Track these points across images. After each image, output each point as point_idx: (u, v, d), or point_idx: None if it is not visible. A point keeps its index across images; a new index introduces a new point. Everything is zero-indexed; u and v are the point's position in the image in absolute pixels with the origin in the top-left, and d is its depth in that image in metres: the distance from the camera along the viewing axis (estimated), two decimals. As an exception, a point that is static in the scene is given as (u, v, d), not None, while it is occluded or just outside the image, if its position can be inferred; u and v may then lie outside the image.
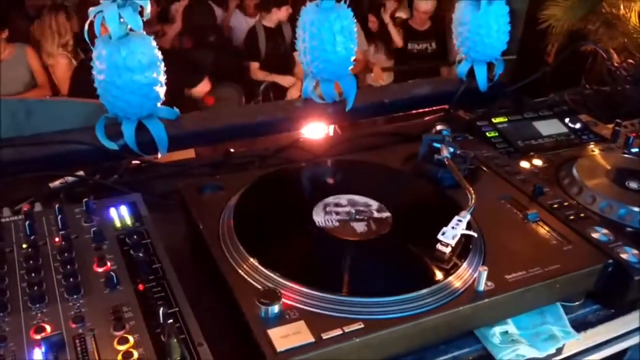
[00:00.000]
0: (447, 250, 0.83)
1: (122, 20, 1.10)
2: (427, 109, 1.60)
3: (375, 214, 0.92)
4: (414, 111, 1.59)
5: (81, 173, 1.13)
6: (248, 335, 0.71)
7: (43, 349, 0.66)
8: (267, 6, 4.44)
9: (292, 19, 4.62)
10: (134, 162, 1.21)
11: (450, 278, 0.80)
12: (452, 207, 0.92)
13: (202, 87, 3.30)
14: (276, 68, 4.50)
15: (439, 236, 0.83)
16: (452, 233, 0.83)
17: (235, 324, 0.75)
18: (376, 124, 1.81)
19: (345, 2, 1.31)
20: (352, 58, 1.37)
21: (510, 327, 0.84)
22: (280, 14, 4.45)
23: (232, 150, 1.31)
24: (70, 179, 1.11)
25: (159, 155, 1.23)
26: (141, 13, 1.11)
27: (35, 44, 3.67)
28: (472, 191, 0.94)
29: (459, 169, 1.02)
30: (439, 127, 1.12)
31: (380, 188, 0.99)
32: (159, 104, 1.22)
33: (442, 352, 0.82)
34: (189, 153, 1.45)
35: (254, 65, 4.47)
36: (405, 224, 0.90)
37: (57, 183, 1.11)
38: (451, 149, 1.05)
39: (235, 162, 1.26)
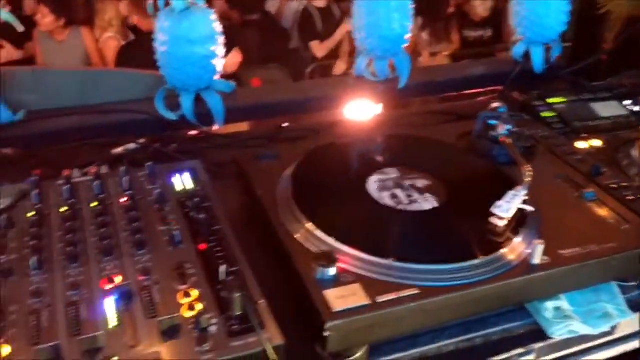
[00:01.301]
0: (502, 223, 0.83)
1: (185, -7, 1.13)
2: (480, 90, 1.59)
3: (430, 187, 0.93)
4: (466, 91, 1.58)
5: (142, 141, 1.17)
6: (304, 296, 0.74)
7: (114, 297, 0.70)
8: None
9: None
10: (191, 132, 1.25)
11: (504, 250, 0.80)
12: (506, 183, 0.92)
13: (232, 59, 3.19)
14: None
15: (494, 209, 0.83)
16: (507, 207, 0.84)
17: (290, 285, 0.78)
18: (423, 104, 1.80)
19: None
20: (407, 36, 1.37)
21: (563, 303, 0.84)
22: None
23: (284, 124, 1.33)
24: (131, 146, 1.15)
25: (215, 127, 1.26)
26: (203, -14, 1.14)
27: (88, 18, 3.76)
28: (529, 168, 0.93)
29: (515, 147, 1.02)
30: (495, 105, 1.12)
31: (434, 162, 0.99)
32: (216, 77, 1.25)
33: (493, 324, 0.83)
34: (242, 126, 1.48)
35: (315, 43, 4.46)
36: (460, 196, 0.91)
37: (119, 150, 1.15)
38: (507, 127, 1.04)
39: (288, 135, 1.28)
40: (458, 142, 1.10)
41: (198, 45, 1.16)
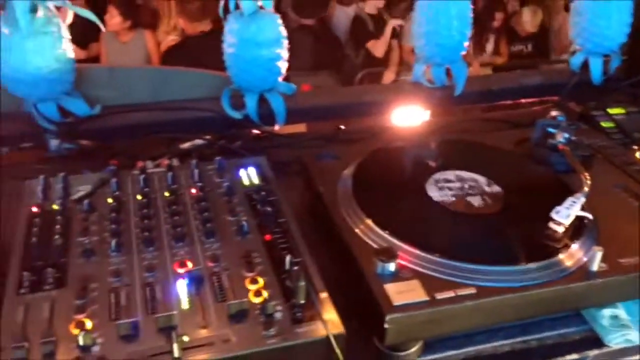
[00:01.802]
0: (561, 229, 0.84)
1: (255, -3, 1.18)
2: (535, 99, 1.58)
3: (487, 190, 0.94)
4: (521, 100, 1.58)
5: (208, 137, 1.23)
6: (364, 290, 0.77)
7: (186, 281, 0.75)
8: None
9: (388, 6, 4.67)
10: (253, 131, 1.30)
11: (561, 256, 0.81)
12: (564, 190, 0.93)
13: None
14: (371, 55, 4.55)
15: (553, 214, 0.85)
16: (566, 213, 0.84)
17: (349, 278, 0.81)
18: (479, 112, 1.80)
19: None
20: (465, 44, 1.39)
21: (620, 311, 0.84)
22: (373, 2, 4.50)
23: (342, 126, 1.37)
24: (198, 141, 1.21)
25: (276, 127, 1.31)
26: (271, -9, 1.19)
27: (152, 22, 3.92)
28: (587, 176, 0.94)
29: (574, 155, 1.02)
30: (554, 113, 1.12)
31: (493, 167, 1.01)
32: (279, 79, 1.30)
33: (549, 327, 0.84)
34: (301, 127, 1.53)
35: (372, 43, 4.51)
36: (518, 201, 0.93)
37: (186, 145, 1.21)
38: (566, 135, 1.05)
39: (346, 137, 1.32)
40: (516, 149, 1.11)
41: (264, 48, 1.21)
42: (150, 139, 1.20)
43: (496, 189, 0.95)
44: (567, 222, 0.84)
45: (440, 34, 1.35)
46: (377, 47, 4.48)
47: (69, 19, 1.11)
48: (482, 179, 0.97)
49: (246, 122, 1.29)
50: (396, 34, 4.48)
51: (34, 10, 1.04)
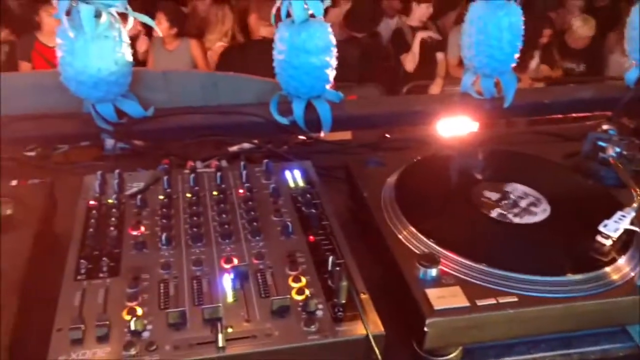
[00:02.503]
0: (608, 242, 0.83)
1: (305, 6, 1.21)
2: (587, 114, 1.56)
3: (533, 202, 0.94)
4: (573, 114, 1.55)
5: (256, 141, 1.26)
6: (405, 293, 0.77)
7: (232, 276, 0.77)
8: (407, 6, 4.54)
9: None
10: (299, 136, 1.33)
11: (608, 269, 0.80)
12: (613, 204, 0.91)
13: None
14: (421, 65, 4.56)
15: (600, 227, 0.83)
16: (614, 226, 0.83)
17: (391, 282, 0.82)
18: (528, 124, 1.78)
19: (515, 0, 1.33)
20: (516, 56, 1.39)
21: (668, 329, 0.82)
22: (420, 12, 4.50)
23: (387, 135, 1.38)
24: (246, 145, 1.24)
25: (322, 133, 1.33)
26: (323, 0, 1.21)
27: (198, 31, 4.04)
28: (638, 191, 0.92)
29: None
30: (605, 127, 1.11)
31: (540, 178, 1.00)
32: (327, 87, 1.32)
33: (592, 342, 0.82)
34: (347, 134, 1.55)
35: (404, 56, 4.53)
36: (565, 213, 0.91)
37: (235, 147, 1.25)
38: (617, 149, 1.03)
39: (391, 145, 1.33)
40: (565, 161, 1.10)
41: (314, 56, 1.24)
42: (200, 141, 1.24)
43: (543, 200, 0.94)
44: (615, 235, 0.83)
45: (490, 45, 1.35)
46: (407, 61, 4.49)
47: (130, 24, 1.16)
48: (528, 190, 0.97)
49: (293, 127, 1.32)
50: (427, 46, 4.48)
51: (97, 15, 1.10)
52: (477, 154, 1.09)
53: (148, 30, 3.85)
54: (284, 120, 1.31)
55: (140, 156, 1.21)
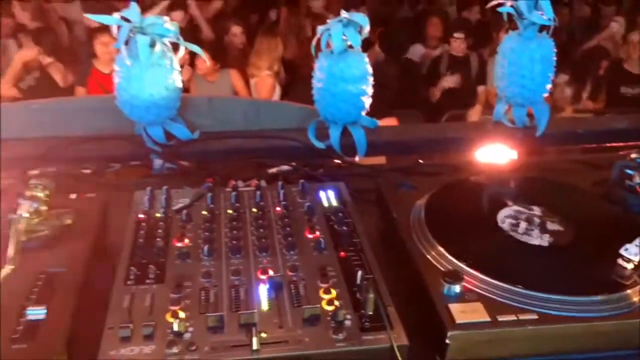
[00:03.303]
0: (630, 266, 0.85)
1: (344, 37, 1.28)
2: (621, 144, 1.57)
3: (559, 225, 0.97)
4: (606, 144, 1.57)
5: (294, 164, 1.33)
6: (429, 307, 0.82)
7: (267, 286, 0.83)
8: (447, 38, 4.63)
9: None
10: (335, 160, 1.39)
11: (629, 291, 0.83)
12: (637, 230, 0.93)
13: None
14: (456, 94, 4.60)
15: (622, 251, 0.86)
16: (635, 250, 0.86)
17: (417, 297, 0.86)
18: (560, 153, 1.80)
19: (547, 32, 1.37)
20: (548, 86, 1.42)
21: (690, 353, 0.84)
22: (459, 44, 4.56)
23: (421, 160, 1.43)
24: (284, 167, 1.31)
25: (357, 158, 1.39)
26: (360, 32, 1.29)
27: (243, 61, 4.20)
28: (663, 218, 0.94)
29: (651, 198, 1.03)
30: (633, 155, 1.13)
31: (566, 204, 1.03)
32: (363, 113, 1.38)
33: (614, 363, 0.84)
34: (381, 159, 1.60)
35: (433, 87, 4.62)
36: (588, 237, 0.94)
37: (274, 169, 1.32)
38: (644, 177, 1.06)
39: (424, 170, 1.37)
40: (592, 188, 1.13)
41: (351, 84, 1.31)
42: (242, 163, 1.32)
43: (567, 224, 0.97)
44: (636, 259, 0.85)
45: (522, 76, 1.39)
46: (434, 93, 4.56)
47: (181, 53, 1.26)
48: (555, 215, 1.00)
49: (329, 151, 1.38)
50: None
51: (152, 45, 1.20)
52: (505, 180, 1.13)
53: (191, 60, 4.05)
54: (320, 145, 1.38)
55: (185, 176, 1.29)
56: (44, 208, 0.91)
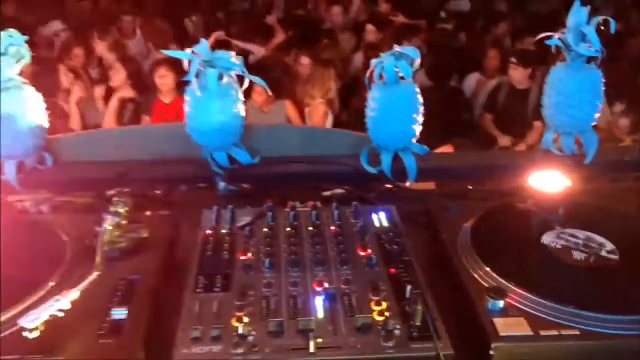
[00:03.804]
0: (672, 288, 0.88)
1: (396, 69, 1.36)
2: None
3: (603, 252, 1.00)
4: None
5: (347, 188, 1.40)
6: (474, 320, 0.87)
7: (323, 296, 0.91)
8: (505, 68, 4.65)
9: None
10: (387, 185, 1.46)
11: (670, 312, 0.85)
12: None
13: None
14: (508, 126, 4.60)
15: (664, 273, 0.89)
16: (678, 273, 0.89)
17: (463, 310, 0.92)
18: (609, 181, 1.80)
19: (595, 63, 1.41)
20: (596, 115, 1.45)
21: None
22: (518, 74, 4.56)
23: (470, 187, 1.48)
24: (338, 190, 1.39)
25: (408, 183, 1.46)
26: (412, 64, 1.36)
27: (297, 89, 4.37)
28: None
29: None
30: (680, 183, 1.15)
31: (611, 227, 1.07)
32: (413, 140, 1.45)
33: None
34: (430, 184, 1.66)
35: (488, 116, 4.64)
36: (632, 260, 0.98)
37: (328, 193, 1.40)
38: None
39: (472, 196, 1.42)
40: (636, 213, 1.15)
41: (403, 113, 1.39)
42: (298, 186, 1.41)
43: (611, 247, 1.01)
44: (679, 281, 0.88)
45: (570, 105, 1.43)
46: (488, 123, 4.58)
47: (245, 85, 1.37)
48: (597, 237, 1.04)
49: (380, 176, 1.45)
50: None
51: (220, 77, 1.31)
52: (550, 204, 1.17)
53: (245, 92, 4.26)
54: (372, 170, 1.45)
55: (246, 197, 1.39)
56: (124, 222, 1.02)
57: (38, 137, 1.39)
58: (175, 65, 4.88)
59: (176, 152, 1.49)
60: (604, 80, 1.43)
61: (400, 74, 1.38)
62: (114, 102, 4.46)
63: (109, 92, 4.57)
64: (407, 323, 0.86)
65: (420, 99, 1.41)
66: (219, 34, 5.17)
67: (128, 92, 4.59)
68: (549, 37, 1.40)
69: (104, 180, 1.40)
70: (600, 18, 1.34)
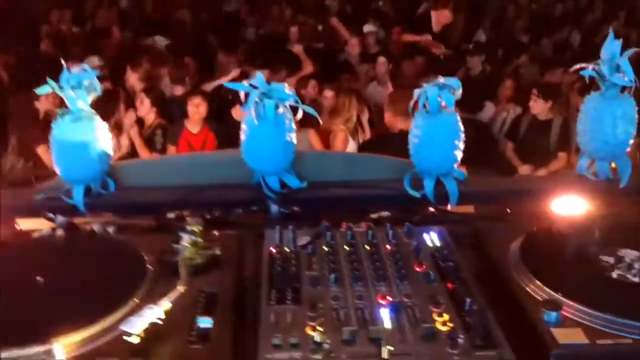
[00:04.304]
0: None
1: (439, 99, 1.45)
2: None
3: (646, 267, 1.07)
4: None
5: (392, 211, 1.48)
6: (532, 331, 0.94)
7: (388, 309, 0.98)
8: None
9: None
10: (430, 208, 1.54)
11: None
12: None
13: None
14: (529, 155, 4.68)
15: None
16: None
17: (518, 323, 0.98)
18: None
19: (629, 92, 1.49)
20: (630, 141, 1.53)
21: None
22: (539, 106, 4.66)
23: (508, 210, 1.55)
24: (385, 213, 1.47)
25: (449, 206, 1.53)
26: (454, 94, 1.45)
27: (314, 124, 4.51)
28: None
29: None
30: None
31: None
32: (455, 166, 1.53)
33: None
34: (470, 208, 1.73)
35: (510, 144, 4.72)
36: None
37: (375, 215, 1.47)
38: None
39: (512, 219, 1.49)
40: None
41: (445, 140, 1.47)
42: (345, 208, 1.49)
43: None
44: None
45: (604, 133, 1.50)
46: (510, 152, 4.65)
47: (299, 115, 1.46)
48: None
49: (423, 200, 1.53)
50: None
51: (276, 107, 1.41)
52: (592, 224, 1.24)
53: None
54: (416, 194, 1.53)
55: (297, 219, 1.47)
56: (199, 240, 1.10)
57: (104, 163, 1.49)
58: (209, 95, 5.06)
59: (227, 178, 1.58)
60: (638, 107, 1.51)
61: (443, 103, 1.47)
62: (134, 130, 4.60)
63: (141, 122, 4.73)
64: (469, 333, 0.92)
65: (462, 126, 1.50)
66: (235, 72, 5.39)
67: (155, 119, 4.73)
68: (583, 69, 1.49)
69: (164, 203, 1.49)
70: (633, 50, 1.43)
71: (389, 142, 3.49)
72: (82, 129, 1.43)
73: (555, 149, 4.64)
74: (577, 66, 1.49)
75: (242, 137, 1.47)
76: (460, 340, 0.91)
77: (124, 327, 0.85)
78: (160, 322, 0.88)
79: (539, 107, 4.70)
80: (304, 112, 1.52)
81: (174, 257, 1.07)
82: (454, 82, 1.44)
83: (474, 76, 5.83)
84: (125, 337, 0.86)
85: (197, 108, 4.70)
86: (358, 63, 6.27)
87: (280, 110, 1.43)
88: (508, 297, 1.04)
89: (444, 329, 0.94)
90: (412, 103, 1.49)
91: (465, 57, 6.00)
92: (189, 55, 6.03)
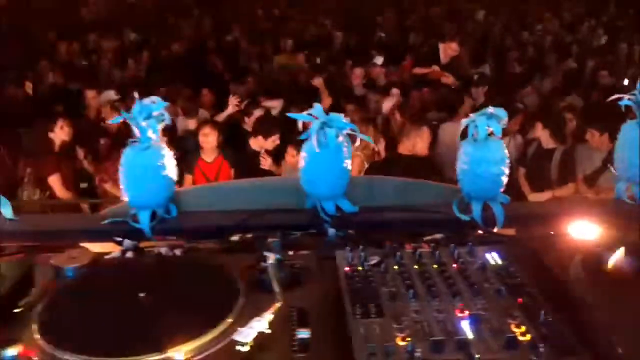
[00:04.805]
0: None
1: (487, 127, 1.55)
2: None
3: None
4: None
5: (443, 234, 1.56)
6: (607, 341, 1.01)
7: (467, 321, 1.05)
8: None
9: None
10: (478, 231, 1.62)
11: None
12: None
13: None
14: (535, 180, 4.81)
15: None
16: None
17: (593, 332, 1.05)
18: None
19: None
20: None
21: None
22: (545, 135, 4.80)
23: (552, 232, 1.63)
24: (438, 235, 1.55)
25: (496, 228, 1.61)
26: (500, 122, 1.55)
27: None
28: None
29: None
30: None
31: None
32: (501, 190, 1.62)
33: None
34: (511, 230, 1.81)
35: (522, 170, 4.87)
36: None
37: (428, 238, 1.55)
38: None
39: (556, 240, 1.57)
40: None
41: (492, 166, 1.56)
42: (397, 231, 1.57)
43: None
44: None
45: (640, 158, 1.60)
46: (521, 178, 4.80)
47: (357, 142, 1.56)
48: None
49: (471, 223, 1.61)
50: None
51: (337, 135, 1.50)
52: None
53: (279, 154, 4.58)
54: (464, 217, 1.61)
55: (353, 242, 1.54)
56: (282, 259, 1.18)
57: (170, 189, 1.57)
58: (218, 125, 5.17)
59: (281, 203, 1.66)
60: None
61: (490, 130, 1.56)
62: None
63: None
64: (548, 342, 0.99)
65: (507, 153, 1.59)
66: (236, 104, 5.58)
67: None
68: (620, 99, 1.59)
69: (225, 227, 1.57)
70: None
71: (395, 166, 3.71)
72: (151, 157, 1.51)
73: (556, 178, 4.75)
74: (615, 96, 1.59)
75: (302, 163, 1.56)
76: (541, 349, 0.98)
77: (236, 337, 0.92)
78: (269, 332, 0.95)
79: (545, 135, 4.84)
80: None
81: (262, 274, 1.14)
82: (501, 111, 1.54)
83: (478, 107, 5.98)
84: (237, 347, 0.92)
85: (206, 137, 4.80)
86: (363, 93, 6.43)
87: (340, 138, 1.52)
88: (576, 309, 1.11)
89: (523, 338, 1.01)
90: (459, 132, 1.59)
91: (470, 89, 6.17)
92: (191, 86, 6.20)
